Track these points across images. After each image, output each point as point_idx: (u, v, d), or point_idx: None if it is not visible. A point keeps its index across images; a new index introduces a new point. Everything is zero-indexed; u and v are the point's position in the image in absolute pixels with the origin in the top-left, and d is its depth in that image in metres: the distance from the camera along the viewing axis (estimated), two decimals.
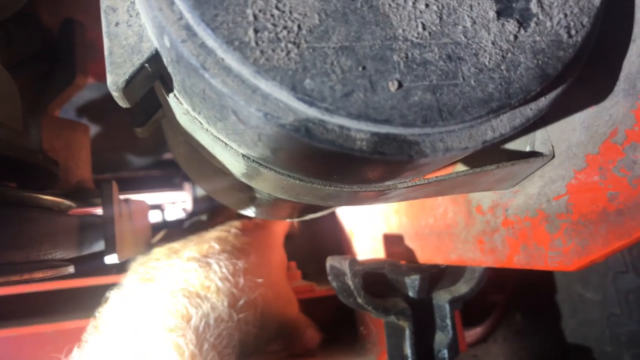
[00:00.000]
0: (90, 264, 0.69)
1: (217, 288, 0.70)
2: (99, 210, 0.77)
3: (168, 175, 1.81)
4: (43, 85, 0.87)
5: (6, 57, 0.89)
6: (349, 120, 0.32)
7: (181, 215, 1.85)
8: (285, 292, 0.90)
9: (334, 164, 0.37)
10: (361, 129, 0.33)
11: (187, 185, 1.79)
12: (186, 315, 0.64)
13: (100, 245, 0.73)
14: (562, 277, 1.07)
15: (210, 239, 0.78)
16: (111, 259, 0.66)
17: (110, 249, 0.66)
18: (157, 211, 1.90)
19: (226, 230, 0.81)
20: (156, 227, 1.56)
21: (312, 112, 0.32)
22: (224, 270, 0.72)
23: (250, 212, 0.70)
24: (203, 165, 0.61)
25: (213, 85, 0.32)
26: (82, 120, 1.35)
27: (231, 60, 0.31)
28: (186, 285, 0.68)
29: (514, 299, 1.26)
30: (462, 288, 0.78)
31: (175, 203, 1.89)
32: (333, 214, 1.13)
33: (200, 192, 1.55)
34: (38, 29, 0.91)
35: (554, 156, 0.50)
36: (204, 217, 1.48)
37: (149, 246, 0.97)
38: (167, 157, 1.79)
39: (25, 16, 0.88)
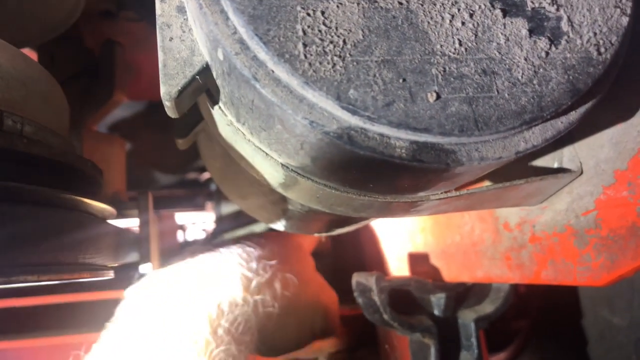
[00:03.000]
0: (125, 274, 0.71)
1: (229, 272, 0.69)
2: (133, 222, 0.80)
3: (191, 194, 1.84)
4: (83, 101, 0.92)
5: None
6: (389, 129, 0.34)
7: (202, 235, 1.88)
8: (315, 280, 0.88)
9: (372, 171, 0.39)
10: (401, 137, 0.35)
11: (209, 205, 1.82)
12: (198, 303, 0.64)
13: (132, 257, 0.75)
14: (588, 302, 1.06)
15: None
16: (146, 267, 0.69)
17: (145, 258, 0.68)
18: (179, 231, 1.92)
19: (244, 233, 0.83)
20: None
21: (354, 121, 0.35)
22: (235, 256, 0.72)
23: (280, 225, 0.72)
24: (238, 177, 0.64)
25: (263, 95, 0.35)
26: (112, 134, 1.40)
27: (281, 71, 0.34)
28: (196, 273, 0.68)
29: (538, 324, 1.24)
30: (488, 307, 0.79)
31: (195, 224, 1.91)
32: (357, 232, 1.14)
33: (225, 210, 1.58)
34: (80, 50, 0.96)
35: (582, 172, 0.51)
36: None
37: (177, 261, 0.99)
38: (190, 176, 1.83)
39: (69, 38, 0.93)
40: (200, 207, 1.88)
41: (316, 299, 0.85)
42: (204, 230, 1.89)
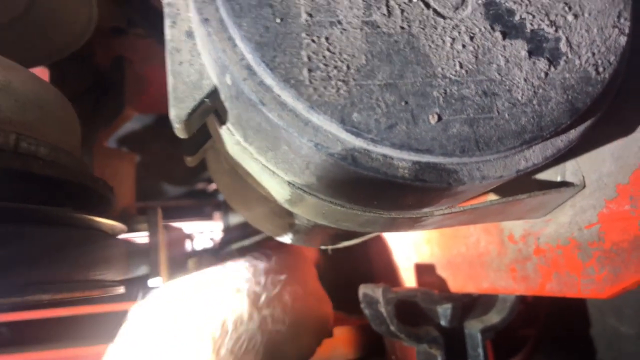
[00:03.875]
0: (134, 288, 0.72)
1: (237, 289, 0.70)
2: (141, 236, 0.81)
3: (199, 205, 1.86)
4: (94, 117, 0.93)
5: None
6: (392, 150, 0.35)
7: (209, 244, 1.89)
8: (317, 289, 0.88)
9: (376, 190, 0.40)
10: (403, 158, 0.36)
11: (217, 215, 1.83)
12: (202, 321, 0.65)
13: (142, 270, 0.76)
14: (596, 310, 1.06)
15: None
16: (155, 282, 0.70)
17: (154, 272, 0.70)
18: (187, 241, 1.93)
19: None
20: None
21: (358, 143, 0.36)
22: (243, 270, 0.72)
23: (287, 238, 0.73)
24: (246, 193, 0.65)
25: (269, 119, 0.36)
26: (122, 149, 1.42)
27: (287, 96, 0.35)
28: (203, 290, 0.69)
29: (546, 333, 1.24)
30: (494, 317, 0.79)
31: (203, 233, 1.93)
32: (363, 244, 1.15)
33: (233, 220, 1.59)
34: (90, 67, 0.98)
35: (584, 186, 0.52)
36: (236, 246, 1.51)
37: (185, 273, 1.00)
38: (199, 187, 1.85)
39: (80, 55, 0.95)
40: (207, 217, 1.89)
41: (320, 307, 0.86)
42: (211, 239, 1.90)
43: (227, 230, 1.73)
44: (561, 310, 1.15)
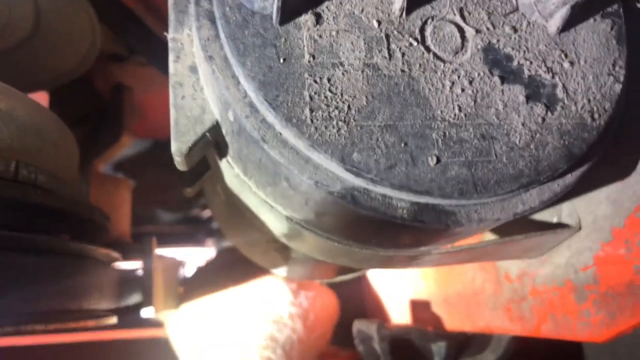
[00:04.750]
0: (127, 316, 0.71)
1: (290, 314, 0.82)
2: (135, 264, 0.80)
3: (192, 231, 1.85)
4: (90, 143, 0.94)
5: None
6: (391, 190, 0.36)
7: (201, 271, 1.87)
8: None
9: (374, 229, 0.40)
10: (402, 199, 0.36)
11: (210, 241, 1.82)
12: (274, 337, 0.77)
13: (135, 298, 0.75)
14: (590, 350, 1.05)
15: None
16: (148, 312, 0.69)
17: (147, 302, 0.69)
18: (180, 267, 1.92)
19: None
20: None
21: (358, 182, 0.36)
22: (288, 296, 0.84)
23: (282, 271, 0.73)
24: (242, 224, 0.65)
25: (270, 156, 0.36)
26: (117, 174, 1.42)
27: (288, 134, 0.35)
28: (268, 314, 0.81)
29: None
30: (489, 357, 0.78)
31: (193, 258, 1.92)
32: (358, 279, 1.14)
33: (226, 246, 1.58)
34: (89, 92, 0.99)
35: (580, 228, 0.52)
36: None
37: (178, 300, 0.99)
38: (193, 213, 1.84)
39: (80, 81, 0.95)
40: (200, 243, 1.88)
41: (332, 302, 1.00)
42: (202, 266, 1.88)
43: (219, 256, 1.71)
44: (556, 349, 1.14)
